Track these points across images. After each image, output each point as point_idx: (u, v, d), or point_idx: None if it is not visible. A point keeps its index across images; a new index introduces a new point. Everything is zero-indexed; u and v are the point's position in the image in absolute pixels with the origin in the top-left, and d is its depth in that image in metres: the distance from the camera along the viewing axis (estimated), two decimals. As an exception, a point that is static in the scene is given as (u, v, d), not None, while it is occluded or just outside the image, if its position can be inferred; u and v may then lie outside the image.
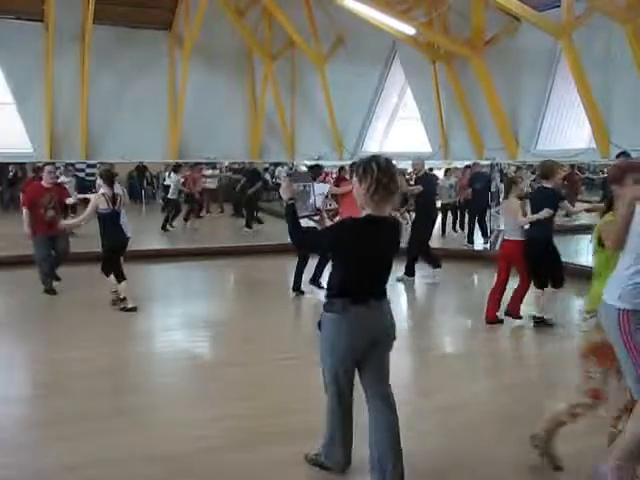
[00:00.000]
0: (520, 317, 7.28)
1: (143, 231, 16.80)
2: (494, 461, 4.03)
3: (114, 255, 8.02)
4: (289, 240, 3.72)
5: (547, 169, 7.02)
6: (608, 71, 13.74)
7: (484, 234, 12.91)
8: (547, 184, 6.99)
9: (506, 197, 7.36)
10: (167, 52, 22.88)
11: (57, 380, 5.54)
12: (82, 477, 3.86)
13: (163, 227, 15.58)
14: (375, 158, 3.47)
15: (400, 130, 22.79)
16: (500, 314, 7.31)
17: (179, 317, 7.92)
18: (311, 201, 3.88)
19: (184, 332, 7.30)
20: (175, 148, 22.43)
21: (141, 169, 23.58)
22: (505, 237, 7.35)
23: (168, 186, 20.32)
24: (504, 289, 7.30)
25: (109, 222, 7.81)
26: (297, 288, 8.84)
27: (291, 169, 20.60)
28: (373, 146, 22.68)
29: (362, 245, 3.45)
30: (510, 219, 7.21)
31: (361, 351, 3.53)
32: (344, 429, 3.76)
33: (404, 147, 21.22)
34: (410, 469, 3.59)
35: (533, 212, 7.00)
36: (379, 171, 3.39)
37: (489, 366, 6.28)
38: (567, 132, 16.68)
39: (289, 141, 23.37)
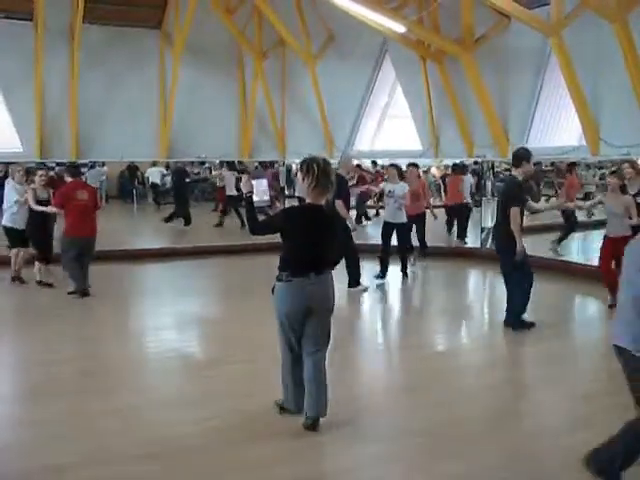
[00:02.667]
0: None
1: (134, 231, 16.81)
2: (481, 455, 4.05)
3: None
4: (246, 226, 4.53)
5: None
6: (598, 68, 13.78)
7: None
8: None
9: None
10: (157, 50, 22.75)
11: (45, 380, 5.52)
12: (73, 478, 3.85)
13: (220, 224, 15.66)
14: (316, 160, 4.35)
15: (391, 128, 22.79)
16: None
17: (168, 316, 7.92)
18: (266, 196, 4.59)
19: (173, 331, 7.29)
20: (166, 146, 22.34)
21: (132, 168, 23.48)
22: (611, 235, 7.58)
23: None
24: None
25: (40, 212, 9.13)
26: None
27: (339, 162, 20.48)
28: (364, 144, 22.67)
29: (304, 225, 4.32)
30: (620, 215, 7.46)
31: (302, 314, 4.34)
32: (294, 377, 4.44)
33: (395, 145, 21.25)
34: (396, 466, 3.59)
35: None
36: (319, 171, 4.27)
37: (480, 363, 6.30)
38: (557, 129, 16.72)
39: (280, 139, 23.32)
